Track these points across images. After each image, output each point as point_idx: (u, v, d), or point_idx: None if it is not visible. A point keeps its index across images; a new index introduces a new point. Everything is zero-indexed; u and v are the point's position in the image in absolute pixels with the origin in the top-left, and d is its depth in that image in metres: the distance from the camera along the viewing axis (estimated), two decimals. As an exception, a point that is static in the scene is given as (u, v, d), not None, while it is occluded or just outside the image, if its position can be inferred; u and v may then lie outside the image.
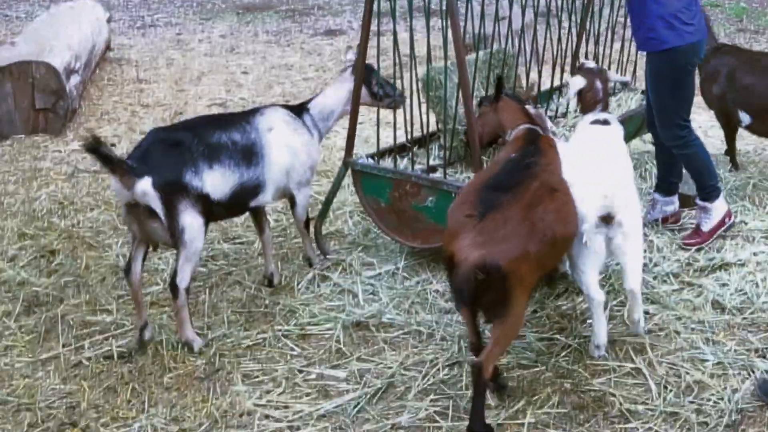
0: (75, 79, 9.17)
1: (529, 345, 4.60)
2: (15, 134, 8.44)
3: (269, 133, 5.08)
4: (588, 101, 5.26)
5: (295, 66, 11.61)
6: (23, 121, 8.48)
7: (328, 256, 5.62)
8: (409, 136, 5.50)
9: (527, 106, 5.04)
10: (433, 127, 5.74)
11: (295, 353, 4.67)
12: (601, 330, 4.53)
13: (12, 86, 8.35)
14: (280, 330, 4.86)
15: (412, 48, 5.26)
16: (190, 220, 4.56)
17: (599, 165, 4.68)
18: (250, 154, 4.95)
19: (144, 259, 4.78)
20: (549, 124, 5.37)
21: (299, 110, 5.43)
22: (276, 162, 5.06)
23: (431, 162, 5.48)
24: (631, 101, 7.03)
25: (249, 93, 10.17)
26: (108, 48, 11.91)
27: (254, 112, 5.24)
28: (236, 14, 15.77)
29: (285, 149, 5.12)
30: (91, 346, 4.76)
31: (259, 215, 5.37)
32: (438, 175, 5.25)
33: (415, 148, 5.67)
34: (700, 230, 5.74)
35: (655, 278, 5.28)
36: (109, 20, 11.83)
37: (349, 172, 5.60)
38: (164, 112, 9.49)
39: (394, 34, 5.23)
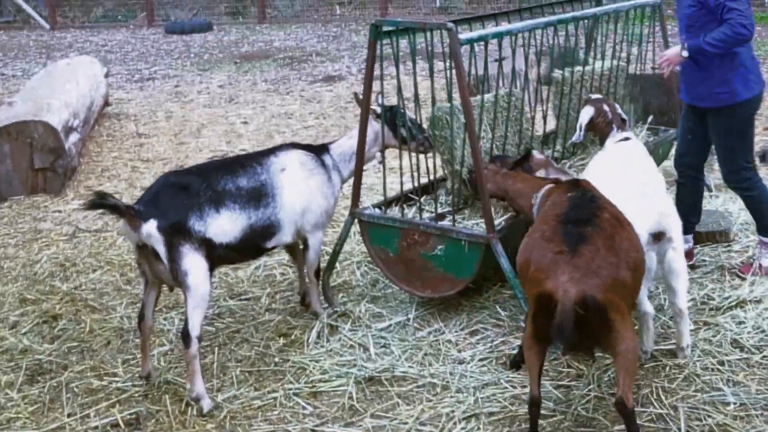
0: (74, 137, 9.12)
1: (546, 393, 4.46)
2: (14, 195, 8.35)
3: (282, 173, 5.04)
4: (601, 126, 5.55)
5: (295, 114, 11.58)
6: (22, 182, 8.40)
7: (335, 308, 5.50)
8: (415, 183, 5.40)
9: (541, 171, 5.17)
10: (439, 172, 5.65)
11: (307, 412, 4.53)
12: (649, 339, 4.74)
13: (10, 147, 8.28)
14: (290, 389, 4.72)
15: (416, 89, 5.20)
16: (193, 263, 4.52)
17: (643, 180, 4.93)
18: (259, 196, 4.91)
19: (155, 305, 4.81)
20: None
21: (319, 151, 5.39)
22: (289, 202, 5.01)
23: (439, 209, 5.39)
24: (642, 134, 6.99)
25: (249, 144, 10.11)
26: (106, 103, 11.89)
27: (269, 152, 5.21)
28: (234, 64, 15.80)
29: (298, 190, 5.07)
30: (97, 414, 4.61)
31: (291, 247, 5.38)
32: (447, 222, 5.14)
33: (423, 196, 5.59)
34: (760, 265, 5.73)
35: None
36: (106, 75, 11.82)
37: (357, 221, 5.50)
38: (165, 166, 9.41)
39: (398, 78, 5.19)
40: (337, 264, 5.99)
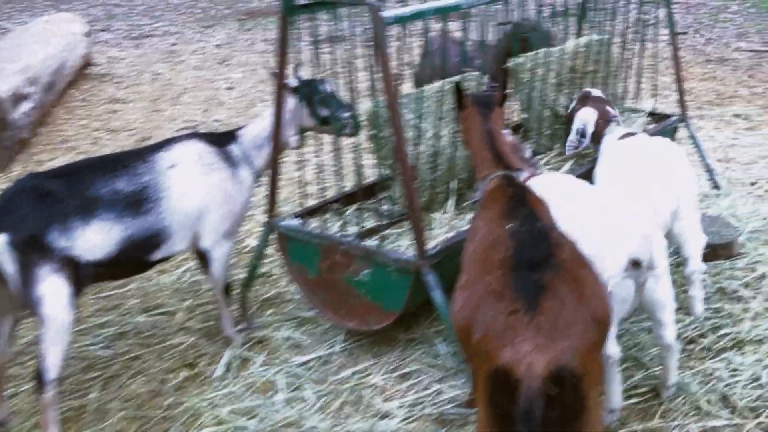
0: (27, 106, 8.33)
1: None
2: (-46, 172, 7.62)
3: (171, 170, 4.22)
4: (600, 127, 4.98)
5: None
6: (-37, 157, 7.66)
7: (251, 334, 4.67)
8: (344, 189, 4.51)
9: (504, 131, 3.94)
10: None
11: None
12: (615, 392, 3.81)
13: (-52, 118, 7.53)
14: (175, 443, 3.92)
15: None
16: (51, 288, 3.72)
17: (638, 189, 4.22)
18: (140, 200, 4.09)
19: (11, 334, 4.02)
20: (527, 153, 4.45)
21: (224, 140, 4.53)
22: (180, 205, 4.21)
23: (373, 221, 4.50)
24: (640, 121, 6.02)
25: (227, 114, 9.25)
26: (88, 64, 11.10)
27: (160, 146, 4.38)
28: (237, 21, 14.89)
29: (192, 189, 4.26)
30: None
31: (203, 259, 4.51)
32: (373, 242, 4.24)
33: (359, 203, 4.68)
34: None
35: (651, 360, 4.25)
36: (87, 34, 10.99)
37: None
38: (130, 137, 8.63)
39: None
40: (276, 270, 5.16)
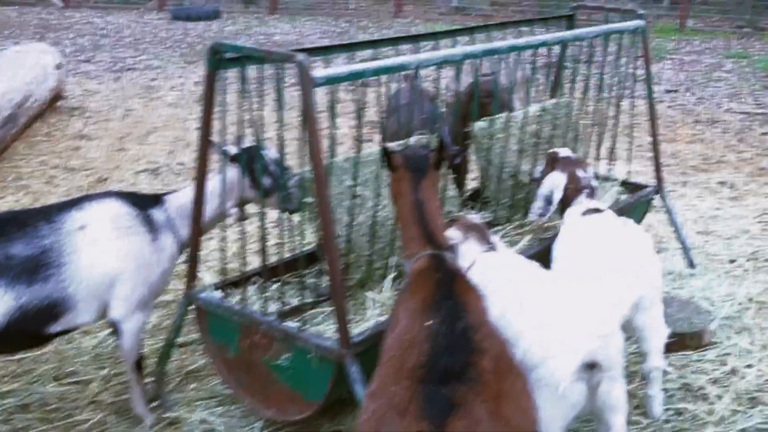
0: (-23, 141, 7.94)
1: None
2: None
3: (79, 232, 3.83)
4: (569, 194, 4.46)
5: (269, 124, 10.26)
6: None
7: (164, 413, 4.23)
8: (271, 258, 4.08)
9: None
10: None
11: None
12: None
13: None
14: None
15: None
16: None
17: (600, 279, 3.84)
18: (37, 266, 3.70)
19: None
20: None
21: (148, 203, 4.13)
22: (87, 272, 3.81)
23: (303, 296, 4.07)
24: (612, 191, 5.62)
25: (192, 156, 8.84)
26: (59, 97, 10.74)
27: (71, 204, 3.99)
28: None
29: (102, 254, 3.86)
30: None
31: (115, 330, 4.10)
32: (293, 324, 3.80)
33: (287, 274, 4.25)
34: None
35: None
36: (58, 67, 10.63)
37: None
38: (87, 178, 8.23)
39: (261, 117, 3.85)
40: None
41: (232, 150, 4.10)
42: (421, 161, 3.41)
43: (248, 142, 4.09)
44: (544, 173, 4.68)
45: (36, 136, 9.67)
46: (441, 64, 3.96)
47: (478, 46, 4.22)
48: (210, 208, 4.12)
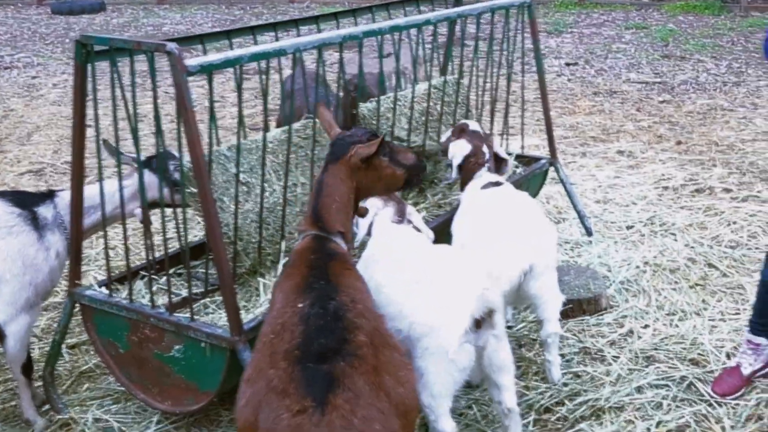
0: None
1: None
2: None
3: None
4: (470, 166, 4.53)
5: (149, 115, 10.05)
6: None
7: (56, 416, 4.10)
8: (156, 252, 3.97)
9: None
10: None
11: None
12: None
13: None
14: None
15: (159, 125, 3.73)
16: None
17: (481, 245, 3.95)
18: None
19: None
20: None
21: (34, 201, 3.99)
22: None
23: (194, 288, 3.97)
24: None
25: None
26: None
27: None
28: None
29: None
30: None
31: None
32: (183, 316, 3.71)
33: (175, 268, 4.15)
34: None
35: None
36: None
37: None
38: (-41, 185, 7.93)
39: (131, 112, 3.73)
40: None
41: (132, 155, 3.97)
42: (340, 146, 3.38)
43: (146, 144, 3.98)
44: (449, 140, 4.70)
45: None
46: (320, 47, 3.90)
47: (359, 28, 4.17)
48: (109, 203, 4.00)
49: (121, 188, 3.87)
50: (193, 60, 3.38)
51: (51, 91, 11.49)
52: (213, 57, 3.47)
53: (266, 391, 2.53)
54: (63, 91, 11.46)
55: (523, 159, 5.77)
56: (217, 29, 14.04)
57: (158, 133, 3.62)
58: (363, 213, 3.84)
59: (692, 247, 5.70)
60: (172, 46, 3.30)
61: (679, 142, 8.26)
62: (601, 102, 10.11)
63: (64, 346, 4.69)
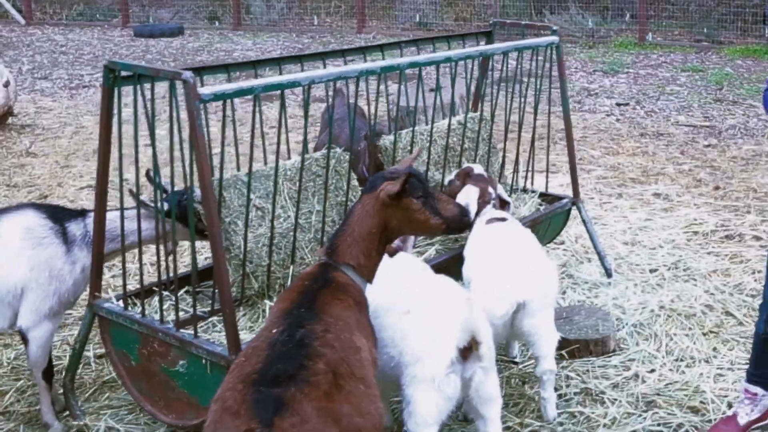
0: None
1: None
2: None
3: None
4: (480, 208, 4.71)
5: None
6: None
7: (72, 422, 4.30)
8: (171, 272, 4.16)
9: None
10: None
11: None
12: None
13: None
14: None
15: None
16: None
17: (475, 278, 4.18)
18: None
19: None
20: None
21: (67, 217, 4.24)
22: None
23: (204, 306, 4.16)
24: (531, 202, 5.74)
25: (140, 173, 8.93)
26: (9, 115, 10.80)
27: None
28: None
29: (13, 264, 4.00)
30: None
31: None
32: (187, 332, 3.89)
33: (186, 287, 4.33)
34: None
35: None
36: (6, 84, 10.68)
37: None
38: (29, 194, 8.29)
39: (153, 139, 3.94)
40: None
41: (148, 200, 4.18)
42: (376, 179, 3.54)
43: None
44: (454, 185, 4.85)
45: (-18, 154, 9.72)
46: (335, 80, 4.08)
47: (377, 63, 4.34)
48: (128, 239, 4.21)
49: (139, 227, 4.06)
50: (207, 89, 3.58)
51: (124, 110, 11.85)
52: (226, 86, 3.66)
53: (222, 411, 2.70)
54: (132, 111, 11.83)
55: (546, 197, 5.85)
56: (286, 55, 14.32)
57: (171, 166, 3.81)
58: (392, 252, 3.97)
59: (712, 294, 5.72)
60: (187, 74, 3.51)
61: (717, 187, 8.24)
62: (646, 144, 10.12)
63: (91, 355, 4.92)
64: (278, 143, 4.15)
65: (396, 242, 4.06)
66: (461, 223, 3.69)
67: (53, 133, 10.73)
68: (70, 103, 12.55)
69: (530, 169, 5.80)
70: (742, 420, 4.15)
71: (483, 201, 4.72)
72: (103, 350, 4.96)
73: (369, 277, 3.45)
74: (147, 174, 4.29)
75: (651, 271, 6.16)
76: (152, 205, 4.13)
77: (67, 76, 14.62)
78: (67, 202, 7.91)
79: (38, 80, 14.19)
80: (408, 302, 3.58)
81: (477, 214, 4.68)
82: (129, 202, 4.24)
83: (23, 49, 17.39)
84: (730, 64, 15.32)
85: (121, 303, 4.17)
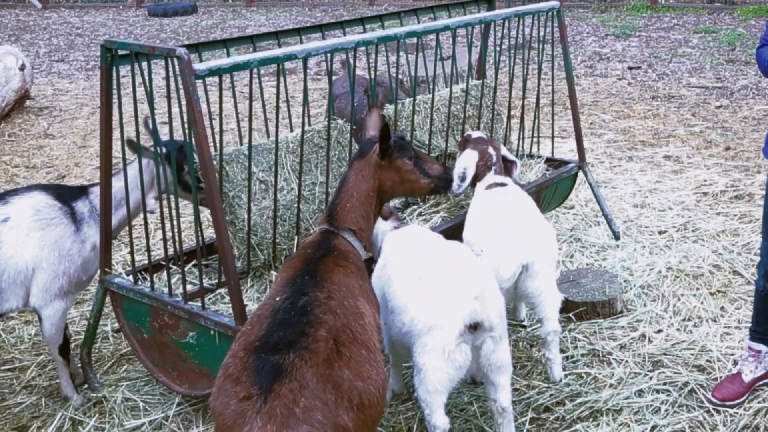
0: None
1: None
2: None
3: (2, 225, 4.08)
4: (479, 171, 4.68)
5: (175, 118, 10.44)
6: None
7: (90, 393, 4.43)
8: (178, 245, 4.24)
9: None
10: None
11: None
12: None
13: None
14: None
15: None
16: None
17: (480, 244, 4.17)
18: None
19: None
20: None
21: (71, 195, 4.33)
22: (10, 261, 4.06)
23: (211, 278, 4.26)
24: (537, 167, 5.78)
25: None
26: (26, 97, 10.92)
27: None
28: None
29: (24, 245, 4.09)
30: None
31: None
32: (195, 304, 3.98)
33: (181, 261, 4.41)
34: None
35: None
36: (22, 68, 10.79)
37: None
38: (48, 174, 8.42)
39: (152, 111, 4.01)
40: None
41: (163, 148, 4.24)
42: (366, 145, 3.65)
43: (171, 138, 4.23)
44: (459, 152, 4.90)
45: (0, 136, 9.84)
46: (331, 52, 4.13)
47: (374, 33, 4.38)
48: (132, 200, 4.30)
49: (142, 181, 4.14)
50: (202, 64, 3.64)
51: (139, 89, 11.96)
52: (221, 61, 3.72)
53: (224, 378, 2.78)
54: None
55: (552, 162, 5.89)
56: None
57: (171, 133, 3.89)
58: (386, 215, 4.08)
59: (720, 254, 5.76)
60: (182, 51, 3.58)
61: (727, 148, 8.23)
62: (658, 106, 10.09)
63: (108, 329, 5.05)
64: (277, 116, 4.21)
65: (393, 223, 4.14)
66: (446, 182, 3.87)
67: (70, 114, 10.84)
68: (87, 84, 12.65)
69: (535, 134, 5.84)
70: (747, 377, 4.20)
71: (483, 164, 4.68)
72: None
73: (366, 242, 3.55)
74: (144, 121, 4.33)
75: (660, 232, 6.20)
76: (152, 150, 4.19)
77: (83, 58, 14.72)
78: (84, 181, 8.02)
79: (55, 63, 14.31)
80: (422, 269, 3.64)
81: (479, 178, 4.70)
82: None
83: (40, 33, 17.51)
84: (743, 24, 15.19)
85: (131, 278, 4.26)
